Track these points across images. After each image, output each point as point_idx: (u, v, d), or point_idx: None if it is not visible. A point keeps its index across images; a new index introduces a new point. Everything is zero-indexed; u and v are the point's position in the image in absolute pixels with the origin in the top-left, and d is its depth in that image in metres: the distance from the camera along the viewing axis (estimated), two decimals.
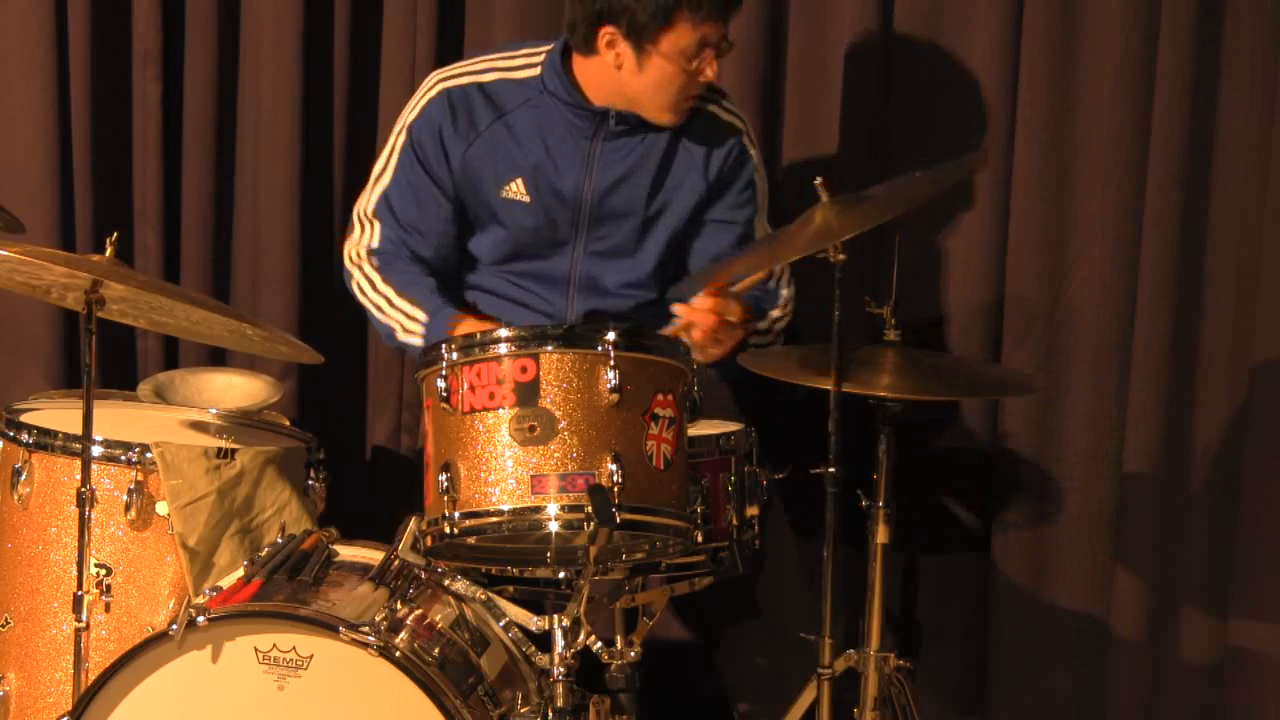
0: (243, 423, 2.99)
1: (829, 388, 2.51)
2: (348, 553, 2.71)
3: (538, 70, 3.02)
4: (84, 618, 2.54)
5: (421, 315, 3.00)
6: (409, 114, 3.07)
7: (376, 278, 3.06)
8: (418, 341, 2.99)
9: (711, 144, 3.06)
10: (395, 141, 3.08)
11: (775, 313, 3.11)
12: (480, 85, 3.03)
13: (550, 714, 2.45)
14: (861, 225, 2.48)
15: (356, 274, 3.09)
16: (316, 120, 3.57)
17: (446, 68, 3.09)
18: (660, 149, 3.03)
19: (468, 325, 2.94)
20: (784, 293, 3.13)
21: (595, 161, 3.02)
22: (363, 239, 3.10)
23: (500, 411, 2.38)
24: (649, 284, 3.09)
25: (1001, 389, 3.26)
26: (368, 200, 3.11)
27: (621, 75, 2.93)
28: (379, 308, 3.05)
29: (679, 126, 3.03)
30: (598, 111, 2.99)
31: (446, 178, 3.04)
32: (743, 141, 3.09)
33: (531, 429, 2.36)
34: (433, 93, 3.05)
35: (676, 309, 2.84)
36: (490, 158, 3.02)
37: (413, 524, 2.54)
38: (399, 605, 2.51)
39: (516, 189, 3.02)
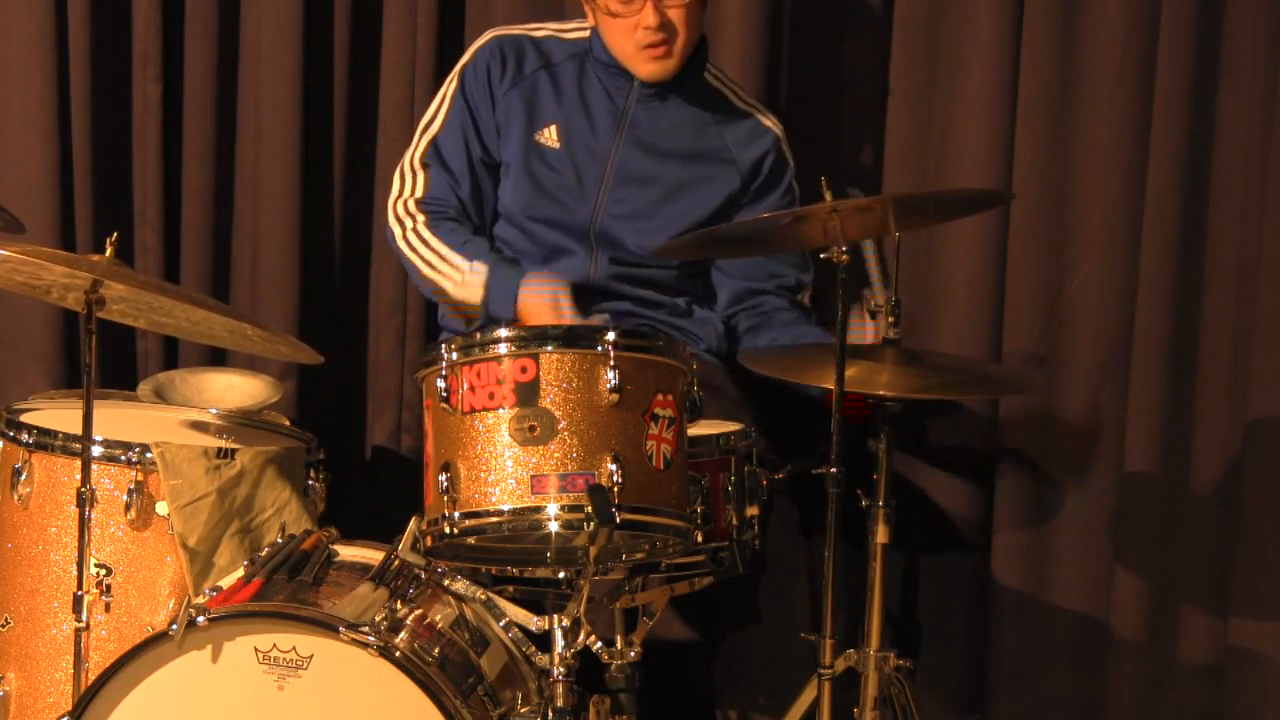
0: (243, 423, 2.99)
1: (829, 387, 2.52)
2: (348, 553, 2.71)
3: (587, 34, 3.14)
4: (84, 618, 2.54)
5: (484, 269, 3.02)
6: (462, 61, 3.18)
7: (427, 233, 3.09)
8: (477, 296, 3.02)
9: (750, 144, 3.15)
10: (447, 90, 3.17)
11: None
12: (532, 38, 3.16)
13: (550, 714, 2.45)
14: (867, 233, 2.49)
15: (401, 229, 3.12)
16: (316, 120, 3.57)
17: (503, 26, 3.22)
18: (696, 129, 3.13)
19: (539, 285, 2.98)
20: (810, 310, 3.21)
21: (627, 123, 3.10)
22: (407, 190, 3.14)
23: (500, 411, 2.37)
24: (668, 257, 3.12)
25: (1001, 389, 3.26)
26: (415, 149, 3.16)
27: (600, 32, 3.07)
28: (428, 263, 3.07)
29: (715, 115, 3.12)
30: (625, 72, 3.09)
31: (491, 121, 3.12)
32: (781, 148, 3.17)
33: (531, 429, 2.36)
34: (486, 39, 3.17)
35: None
36: (531, 100, 3.11)
37: (413, 524, 2.54)
38: (399, 605, 2.51)
39: (550, 135, 3.10)
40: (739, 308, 3.18)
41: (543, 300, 2.96)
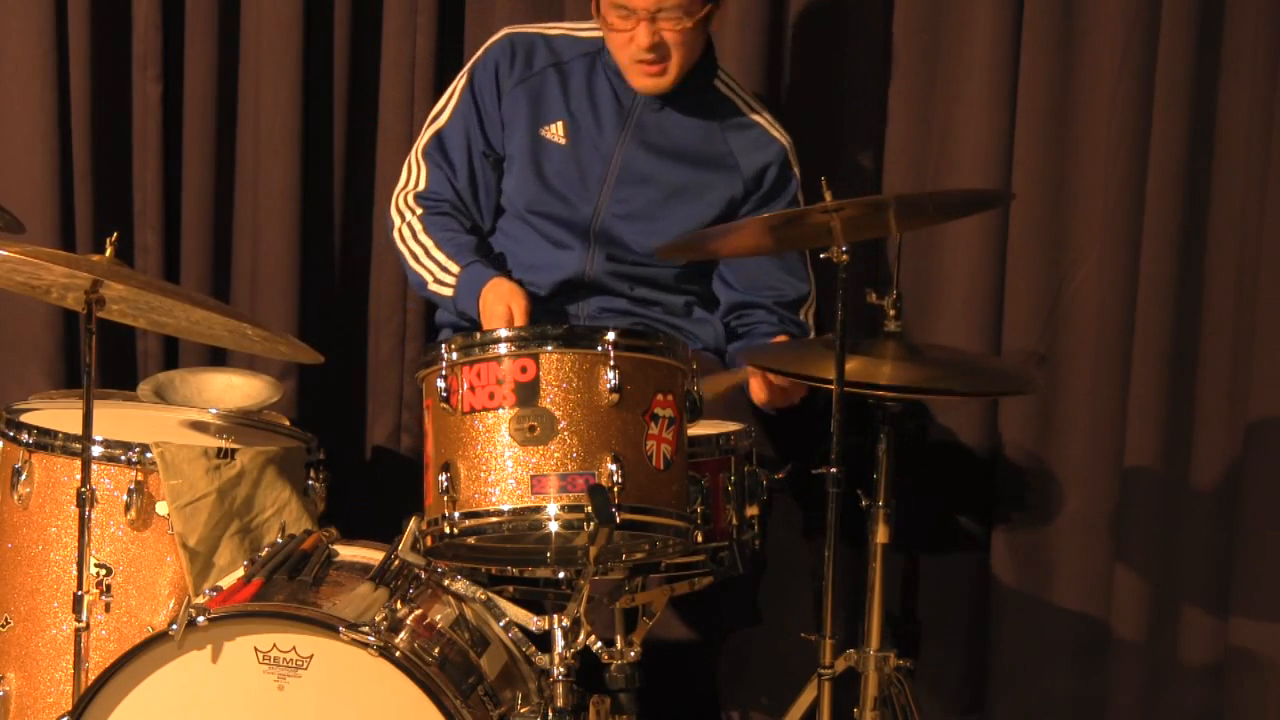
0: (243, 423, 2.99)
1: (829, 387, 2.51)
2: (348, 553, 2.71)
3: (600, 34, 3.12)
4: (84, 618, 2.54)
5: (454, 268, 3.07)
6: (475, 58, 3.19)
7: (419, 226, 3.13)
8: (448, 293, 3.07)
9: (756, 151, 3.14)
10: (456, 85, 3.19)
11: None
12: (545, 36, 3.18)
13: (550, 714, 2.45)
14: (867, 234, 2.49)
15: (399, 221, 3.17)
16: (316, 120, 3.57)
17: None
18: (702, 134, 3.13)
19: (500, 285, 2.99)
20: (810, 326, 3.19)
21: (633, 124, 3.10)
22: (410, 183, 3.18)
23: (500, 411, 2.38)
24: (667, 262, 3.12)
25: (1002, 381, 3.21)
26: (421, 141, 3.20)
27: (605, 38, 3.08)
28: (415, 256, 3.12)
29: (723, 122, 3.12)
30: None
31: (496, 115, 3.14)
32: (787, 158, 3.16)
33: (531, 429, 2.36)
34: (499, 36, 3.19)
35: (751, 373, 2.90)
36: (539, 95, 3.13)
37: (413, 524, 2.54)
38: (399, 605, 2.51)
39: (556, 131, 3.12)
40: (730, 318, 3.18)
41: (497, 310, 2.97)
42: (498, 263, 3.13)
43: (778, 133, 3.17)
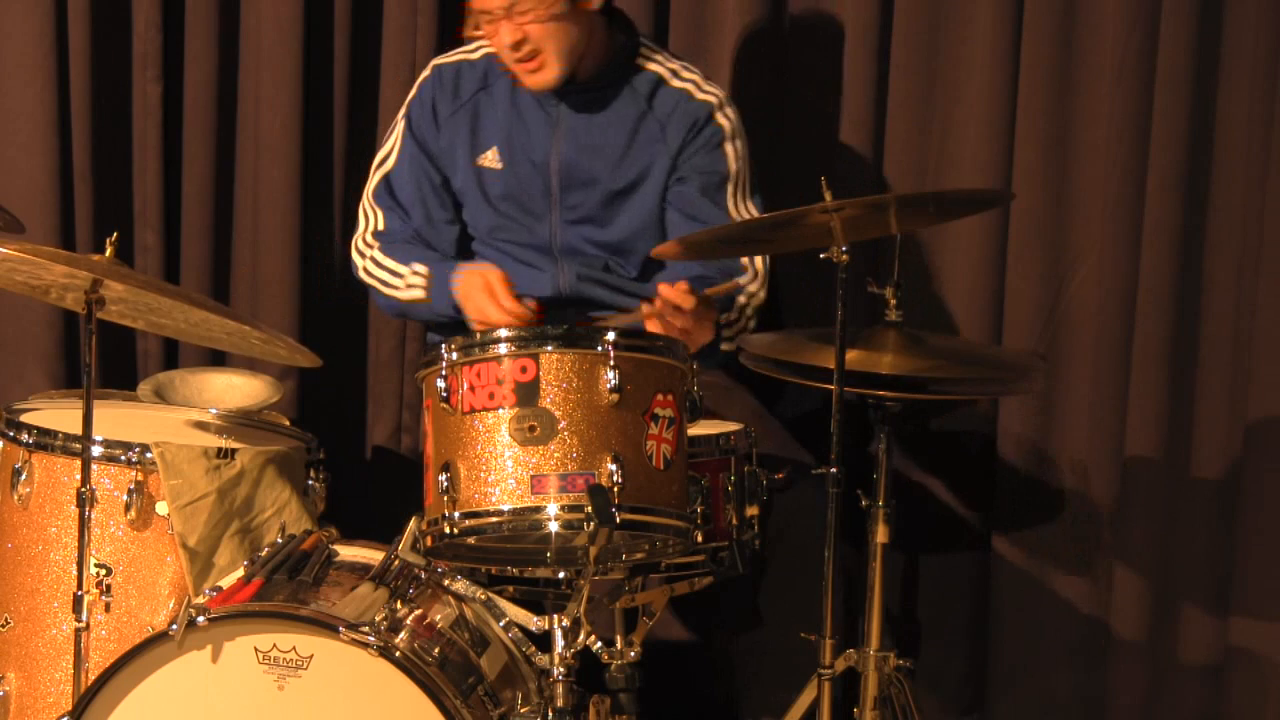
0: (243, 423, 2.99)
1: (830, 387, 2.51)
2: (348, 553, 2.71)
3: None
4: (84, 618, 2.54)
5: (423, 269, 3.08)
6: (409, 97, 3.19)
7: (380, 256, 3.14)
8: (421, 295, 3.08)
9: (684, 117, 3.07)
10: (397, 127, 3.18)
11: (742, 298, 3.06)
12: (469, 62, 3.14)
13: (550, 714, 2.45)
14: (867, 234, 2.49)
15: (361, 260, 3.18)
16: (316, 121, 3.57)
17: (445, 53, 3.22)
18: (629, 122, 3.07)
19: (469, 270, 3.00)
20: (759, 269, 3.10)
21: (561, 129, 3.07)
22: (368, 227, 3.19)
23: (500, 411, 2.38)
24: (628, 257, 3.10)
25: (1005, 371, 3.20)
26: (370, 186, 3.20)
27: None
28: (383, 282, 3.13)
29: (651, 101, 3.07)
30: None
31: (439, 149, 3.13)
32: (712, 114, 3.07)
33: (531, 429, 2.36)
34: (427, 71, 3.17)
35: (661, 289, 2.80)
36: (470, 125, 3.11)
37: (413, 524, 2.54)
38: (399, 605, 2.51)
39: (491, 157, 3.10)
40: None
41: (473, 282, 2.97)
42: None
43: (706, 94, 3.07)
